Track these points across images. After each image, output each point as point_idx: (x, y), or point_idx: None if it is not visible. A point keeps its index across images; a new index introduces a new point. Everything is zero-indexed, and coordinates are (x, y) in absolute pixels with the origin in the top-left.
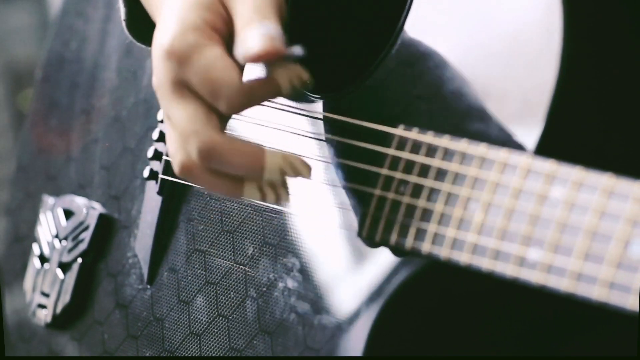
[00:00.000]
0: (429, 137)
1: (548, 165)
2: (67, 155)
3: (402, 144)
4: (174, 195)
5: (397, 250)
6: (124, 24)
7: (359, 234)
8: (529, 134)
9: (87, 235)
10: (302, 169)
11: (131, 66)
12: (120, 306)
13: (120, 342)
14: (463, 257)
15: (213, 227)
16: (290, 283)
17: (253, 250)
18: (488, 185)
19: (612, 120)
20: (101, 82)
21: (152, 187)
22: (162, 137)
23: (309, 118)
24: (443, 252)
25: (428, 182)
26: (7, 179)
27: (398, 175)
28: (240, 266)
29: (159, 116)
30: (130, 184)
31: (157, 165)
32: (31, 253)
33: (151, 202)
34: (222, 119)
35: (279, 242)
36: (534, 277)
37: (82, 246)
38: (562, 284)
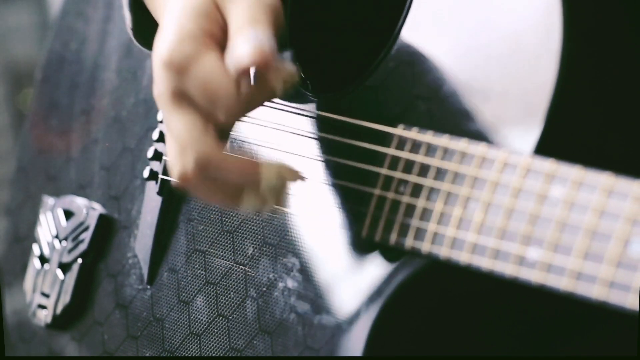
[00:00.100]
0: (428, 137)
1: (548, 164)
2: (67, 156)
3: (401, 143)
4: (174, 196)
5: (389, 255)
6: (130, 32)
7: (359, 234)
8: (529, 134)
9: (87, 236)
10: (297, 177)
11: (131, 66)
12: (120, 306)
13: (120, 343)
14: (463, 257)
15: (213, 227)
16: (290, 283)
17: (253, 250)
18: (488, 185)
19: (612, 119)
20: (101, 83)
21: (152, 187)
22: (162, 138)
23: (308, 118)
24: (443, 251)
25: (428, 182)
26: (7, 179)
27: (398, 174)
28: (240, 266)
29: (159, 116)
30: (130, 184)
31: (157, 166)
32: (31, 253)
33: (151, 202)
34: (222, 130)
35: (279, 242)
36: (534, 276)
37: (82, 246)
38: (561, 283)
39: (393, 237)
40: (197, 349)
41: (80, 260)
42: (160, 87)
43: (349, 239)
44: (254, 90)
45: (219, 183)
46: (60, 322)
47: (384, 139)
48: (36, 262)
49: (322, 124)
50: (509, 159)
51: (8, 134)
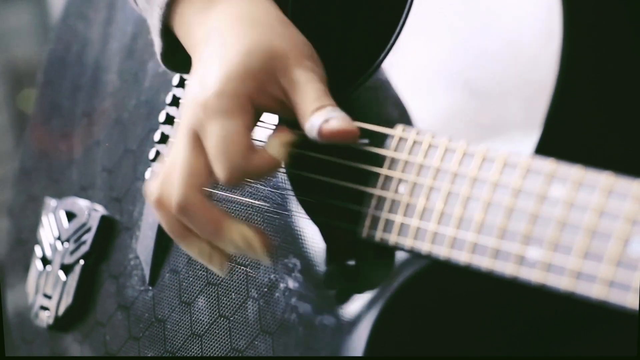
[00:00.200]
0: (428, 137)
1: (547, 164)
2: (69, 158)
3: (401, 144)
4: None
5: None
6: (159, 57)
7: (359, 234)
8: (529, 134)
9: (89, 237)
10: (259, 252)
11: (133, 68)
12: (122, 307)
13: (122, 344)
14: (463, 256)
15: None
16: (291, 283)
17: None
18: (488, 185)
19: (611, 120)
20: (103, 85)
21: None
22: (163, 139)
23: None
24: (443, 251)
25: (427, 182)
26: (8, 179)
27: (397, 174)
28: (242, 267)
29: (161, 118)
30: (132, 185)
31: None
32: (33, 255)
33: None
34: (211, 184)
35: (279, 243)
36: (534, 276)
37: (84, 248)
38: (561, 282)
39: (393, 237)
40: (198, 350)
41: (82, 262)
42: (185, 119)
43: (348, 239)
44: (262, 168)
45: (181, 223)
46: (63, 323)
47: (384, 139)
48: (38, 264)
49: None
50: (509, 159)
51: (8, 134)
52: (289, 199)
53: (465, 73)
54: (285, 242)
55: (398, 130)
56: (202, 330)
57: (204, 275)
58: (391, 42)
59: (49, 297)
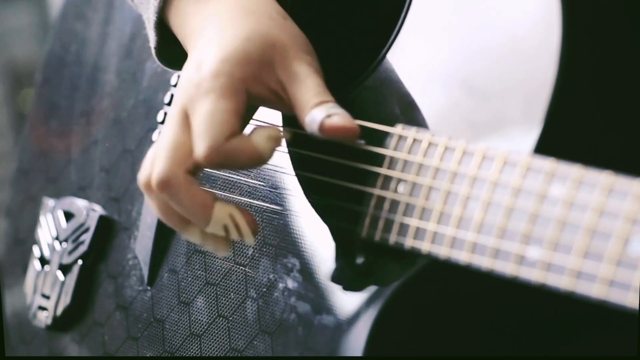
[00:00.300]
0: (427, 136)
1: (547, 163)
2: (67, 158)
3: (401, 143)
4: None
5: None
6: (154, 51)
7: (358, 234)
8: (529, 133)
9: (87, 237)
10: (245, 231)
11: (131, 68)
12: (120, 307)
13: (120, 344)
14: (463, 256)
15: None
16: (290, 283)
17: (253, 251)
18: (487, 184)
19: (611, 118)
20: (101, 85)
21: None
22: None
23: None
24: (443, 251)
25: (427, 181)
26: (7, 180)
27: (396, 174)
28: (240, 267)
29: (159, 117)
30: (130, 185)
31: None
32: (31, 255)
33: None
34: (197, 166)
35: (279, 243)
36: (534, 275)
37: (83, 248)
38: (561, 282)
39: (392, 237)
40: (197, 350)
41: (80, 262)
42: (178, 98)
43: (348, 239)
44: (241, 150)
45: (171, 205)
46: (61, 323)
47: (383, 138)
48: (36, 264)
49: None
50: (508, 158)
51: (8, 134)
52: (288, 198)
53: (464, 71)
54: (284, 241)
55: (397, 129)
56: (201, 330)
57: (202, 275)
58: (390, 41)
59: (47, 297)
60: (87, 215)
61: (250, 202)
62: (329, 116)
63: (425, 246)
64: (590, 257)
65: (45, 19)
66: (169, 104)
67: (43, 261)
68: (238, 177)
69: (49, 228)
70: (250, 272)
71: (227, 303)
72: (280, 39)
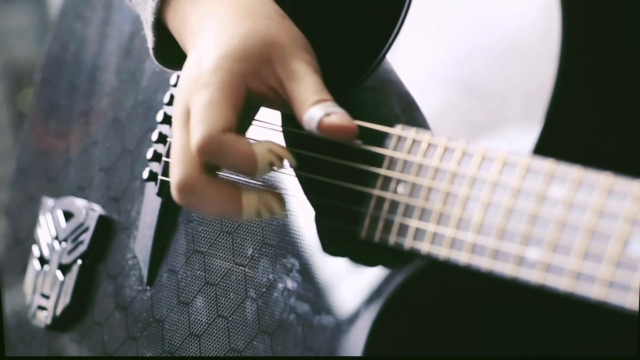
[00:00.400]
0: (427, 137)
1: (547, 164)
2: (66, 157)
3: (400, 143)
4: None
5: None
6: (151, 52)
7: (358, 235)
8: (528, 133)
9: (86, 237)
10: (278, 209)
11: (130, 68)
12: (120, 307)
13: (120, 344)
14: (462, 257)
15: (212, 228)
16: (290, 283)
17: (252, 251)
18: (487, 185)
19: (611, 119)
20: (100, 84)
21: (151, 188)
22: (161, 139)
23: None
24: (442, 251)
25: (426, 182)
26: (7, 180)
27: (396, 174)
28: (240, 267)
29: (158, 117)
30: (129, 185)
31: (157, 167)
32: (31, 255)
33: (151, 203)
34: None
35: (278, 243)
36: (533, 276)
37: (82, 248)
38: (561, 283)
39: (392, 238)
40: (197, 350)
41: (79, 262)
42: (178, 97)
43: (347, 239)
44: (236, 148)
45: (203, 204)
46: (60, 323)
47: (383, 139)
48: (36, 264)
49: None
50: (508, 159)
51: (8, 134)
52: (287, 199)
53: (464, 71)
54: (283, 242)
55: (397, 130)
56: (200, 331)
57: (202, 275)
58: (390, 41)
59: (46, 297)
60: (87, 215)
61: None
62: (327, 115)
63: (424, 247)
64: (590, 258)
65: (45, 19)
66: (169, 104)
67: (42, 261)
68: (238, 177)
69: (49, 228)
70: (250, 273)
71: (226, 303)
72: (279, 37)
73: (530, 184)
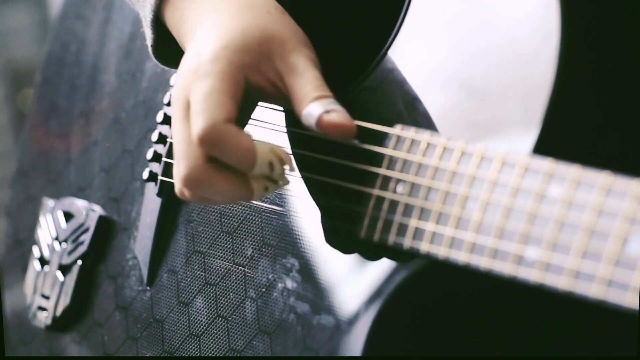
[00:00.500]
0: (426, 136)
1: (546, 164)
2: (66, 158)
3: (399, 143)
4: (174, 197)
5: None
6: (150, 49)
7: (357, 234)
8: (528, 133)
9: (86, 238)
10: (287, 163)
11: (130, 69)
12: (120, 308)
13: (120, 344)
14: (461, 256)
15: (212, 228)
16: (290, 283)
17: (252, 251)
18: (486, 184)
19: (610, 119)
20: (100, 85)
21: (151, 189)
22: (161, 139)
23: None
24: (441, 251)
25: (426, 181)
26: (7, 180)
27: (395, 174)
28: (240, 267)
29: (158, 118)
30: (129, 186)
31: (157, 167)
32: (31, 255)
33: (151, 204)
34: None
35: (278, 243)
36: (532, 275)
37: (82, 248)
38: (560, 282)
39: (392, 237)
40: (196, 350)
41: (80, 262)
42: (177, 91)
43: (347, 239)
44: (236, 138)
45: (213, 194)
46: (60, 323)
47: (382, 138)
48: (36, 264)
49: None
50: (507, 158)
51: (8, 134)
52: (287, 198)
53: (463, 72)
54: (283, 242)
55: (396, 130)
56: (200, 331)
57: (202, 275)
58: (389, 41)
59: (46, 297)
60: (87, 215)
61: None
62: (327, 112)
63: (424, 246)
64: (589, 257)
65: (45, 19)
66: (169, 104)
67: (43, 261)
68: None
69: (49, 228)
70: (250, 273)
71: (226, 303)
72: (279, 32)
73: (529, 183)
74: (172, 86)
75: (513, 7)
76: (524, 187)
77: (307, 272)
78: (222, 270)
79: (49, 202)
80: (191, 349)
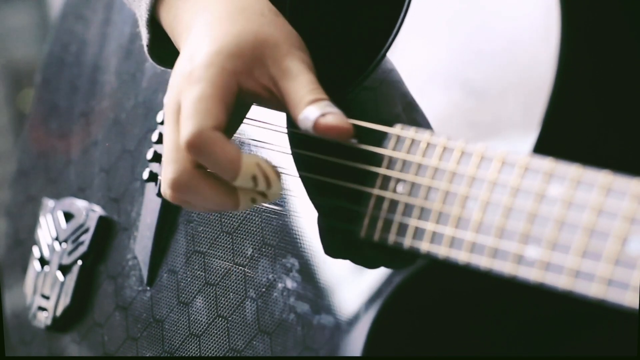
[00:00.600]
0: (426, 136)
1: (546, 163)
2: (67, 158)
3: (399, 143)
4: None
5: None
6: (146, 49)
7: (357, 234)
8: (528, 133)
9: (87, 238)
10: (273, 176)
11: (130, 69)
12: (120, 308)
13: (120, 344)
14: (461, 256)
15: (212, 228)
16: (290, 283)
17: (252, 251)
18: (486, 184)
19: (609, 119)
20: (100, 85)
21: (151, 189)
22: (161, 139)
23: None
24: (441, 250)
25: (426, 181)
26: (7, 181)
27: (395, 174)
28: (240, 267)
29: (158, 118)
30: (129, 186)
31: (157, 167)
32: (31, 256)
33: (151, 204)
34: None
35: (278, 243)
36: (532, 274)
37: (82, 248)
38: (560, 281)
39: (392, 237)
40: (196, 350)
41: (80, 262)
42: (171, 94)
43: (347, 239)
44: (222, 147)
45: (198, 200)
46: (61, 324)
47: (382, 138)
48: (36, 264)
49: None
50: (507, 158)
51: (8, 134)
52: (286, 198)
53: (463, 72)
54: (283, 242)
55: (396, 129)
56: (200, 331)
57: (202, 275)
58: (389, 41)
59: (46, 297)
60: (87, 215)
61: None
62: (323, 115)
63: (424, 246)
64: (589, 257)
65: (45, 19)
66: None
67: (43, 262)
68: None
69: (49, 229)
70: (250, 272)
71: (226, 303)
72: (272, 35)
73: (529, 182)
74: None
75: (513, 8)
76: (524, 187)
77: (307, 272)
78: (222, 270)
79: (49, 203)
80: (191, 349)
